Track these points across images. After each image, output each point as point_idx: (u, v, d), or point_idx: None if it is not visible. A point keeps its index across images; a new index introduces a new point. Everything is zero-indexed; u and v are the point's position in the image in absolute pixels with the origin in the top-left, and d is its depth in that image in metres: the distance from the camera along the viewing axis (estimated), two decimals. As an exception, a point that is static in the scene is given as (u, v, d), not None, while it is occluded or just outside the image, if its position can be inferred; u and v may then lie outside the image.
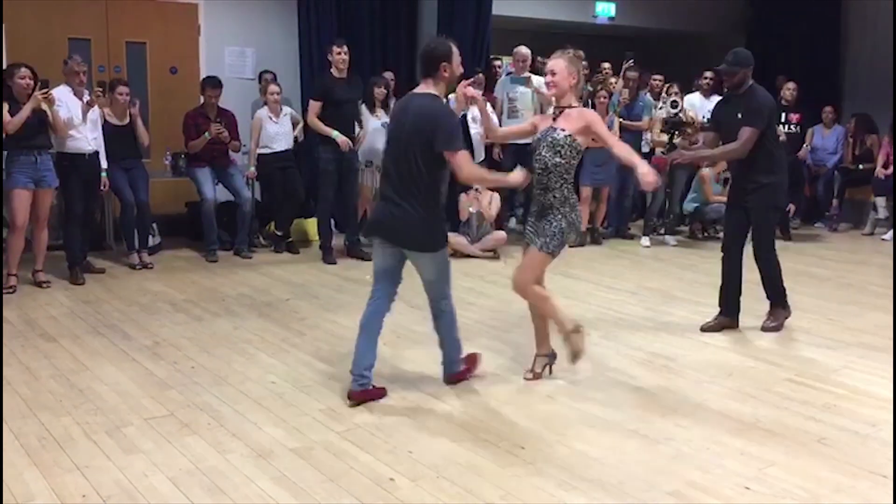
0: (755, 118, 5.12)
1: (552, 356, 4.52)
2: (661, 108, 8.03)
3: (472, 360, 4.52)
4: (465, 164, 3.97)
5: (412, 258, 4.14)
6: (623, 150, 4.28)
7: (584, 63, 4.50)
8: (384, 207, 4.10)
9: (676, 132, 5.33)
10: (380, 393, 4.16)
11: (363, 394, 4.08)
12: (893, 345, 5.06)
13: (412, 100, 4.11)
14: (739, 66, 5.24)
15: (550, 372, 4.51)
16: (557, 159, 4.20)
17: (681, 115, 7.51)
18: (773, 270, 5.40)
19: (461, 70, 4.17)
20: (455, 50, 4.08)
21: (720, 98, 6.07)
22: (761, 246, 5.35)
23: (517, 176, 4.24)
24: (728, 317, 5.47)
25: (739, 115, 5.18)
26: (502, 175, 4.44)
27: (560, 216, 4.23)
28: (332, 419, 3.88)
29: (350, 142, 7.34)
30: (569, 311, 4.45)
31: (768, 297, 5.48)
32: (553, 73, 4.25)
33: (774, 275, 5.41)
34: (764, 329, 5.42)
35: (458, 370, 4.42)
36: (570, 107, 4.28)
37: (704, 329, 5.42)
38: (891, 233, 9.21)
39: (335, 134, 7.24)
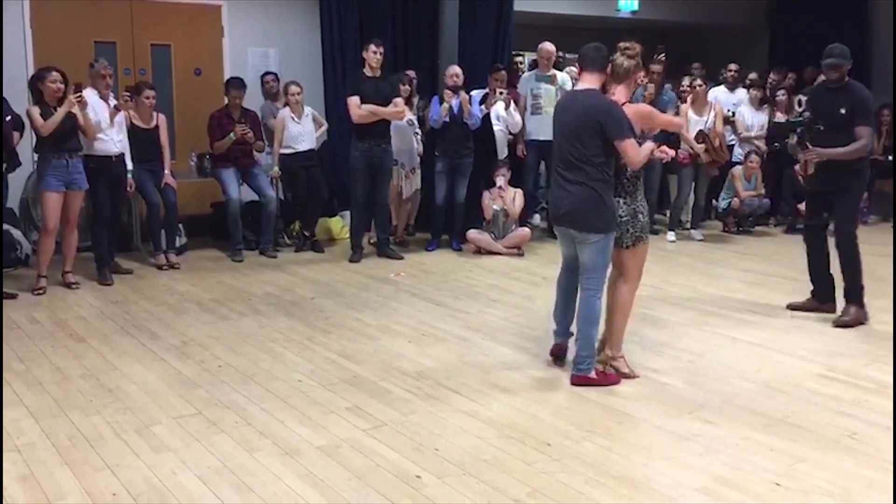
0: (869, 116, 5.42)
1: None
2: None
3: (606, 377, 4.37)
4: (631, 150, 4.16)
5: (577, 240, 4.32)
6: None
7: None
8: (556, 192, 4.41)
9: (798, 130, 5.41)
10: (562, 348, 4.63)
11: (561, 349, 4.59)
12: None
13: (576, 94, 4.40)
14: (845, 58, 5.43)
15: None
16: None
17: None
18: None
19: None
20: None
21: (809, 92, 6.13)
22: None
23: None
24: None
25: (843, 111, 5.31)
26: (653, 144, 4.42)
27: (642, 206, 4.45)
28: (358, 417, 3.89)
29: (402, 111, 7.48)
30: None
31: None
32: None
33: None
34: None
35: (584, 374, 4.30)
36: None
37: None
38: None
39: (389, 108, 7.29)
